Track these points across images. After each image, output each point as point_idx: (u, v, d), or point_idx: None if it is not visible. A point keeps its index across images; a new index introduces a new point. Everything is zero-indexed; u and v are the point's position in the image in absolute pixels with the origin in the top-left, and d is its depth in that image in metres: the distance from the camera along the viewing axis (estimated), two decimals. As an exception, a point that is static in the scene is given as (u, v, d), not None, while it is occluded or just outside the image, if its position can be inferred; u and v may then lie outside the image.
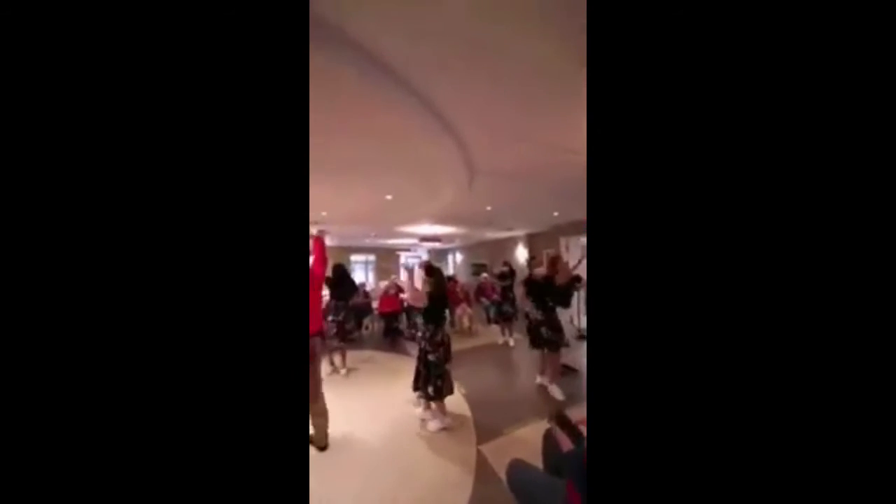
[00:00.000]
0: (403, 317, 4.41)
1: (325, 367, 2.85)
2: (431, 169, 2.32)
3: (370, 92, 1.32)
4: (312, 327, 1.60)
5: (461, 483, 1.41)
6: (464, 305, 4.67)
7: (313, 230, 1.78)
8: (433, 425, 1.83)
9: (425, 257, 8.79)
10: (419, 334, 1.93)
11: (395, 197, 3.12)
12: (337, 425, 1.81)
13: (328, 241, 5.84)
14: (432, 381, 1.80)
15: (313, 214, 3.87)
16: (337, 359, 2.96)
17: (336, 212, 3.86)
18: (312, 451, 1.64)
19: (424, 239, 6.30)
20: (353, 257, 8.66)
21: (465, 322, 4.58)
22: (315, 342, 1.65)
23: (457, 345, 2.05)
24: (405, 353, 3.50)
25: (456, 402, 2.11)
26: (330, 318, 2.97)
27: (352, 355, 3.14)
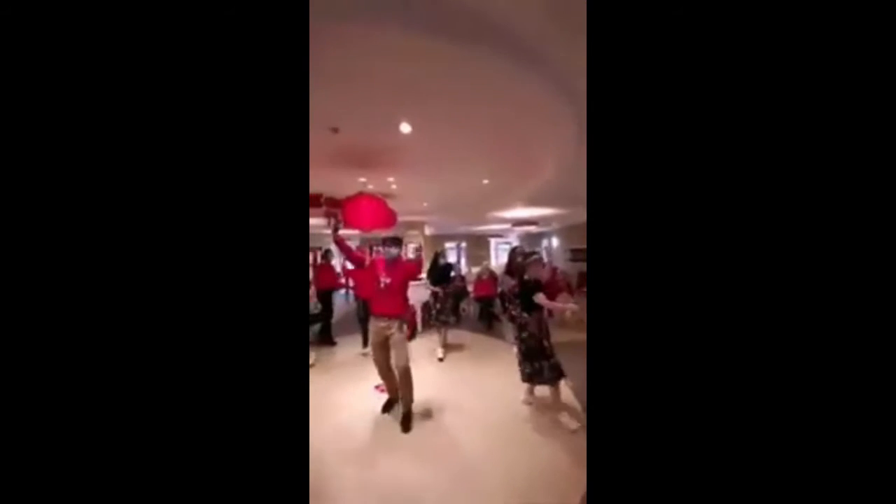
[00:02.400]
0: (498, 302, 4.44)
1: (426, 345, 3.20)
2: (536, 140, 2.14)
3: (476, 63, 1.30)
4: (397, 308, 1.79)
5: (574, 477, 1.33)
6: (564, 295, 4.28)
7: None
8: (570, 424, 1.71)
9: (516, 243, 8.48)
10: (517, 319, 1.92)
11: (491, 180, 3.09)
12: (441, 402, 2.00)
13: (427, 231, 6.27)
14: (529, 365, 1.76)
15: (416, 205, 4.29)
16: (436, 338, 3.25)
17: (435, 201, 4.15)
18: (419, 428, 1.81)
19: (518, 223, 6.06)
20: (447, 245, 9.24)
21: (567, 314, 4.19)
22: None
23: (557, 337, 1.91)
24: (501, 336, 3.53)
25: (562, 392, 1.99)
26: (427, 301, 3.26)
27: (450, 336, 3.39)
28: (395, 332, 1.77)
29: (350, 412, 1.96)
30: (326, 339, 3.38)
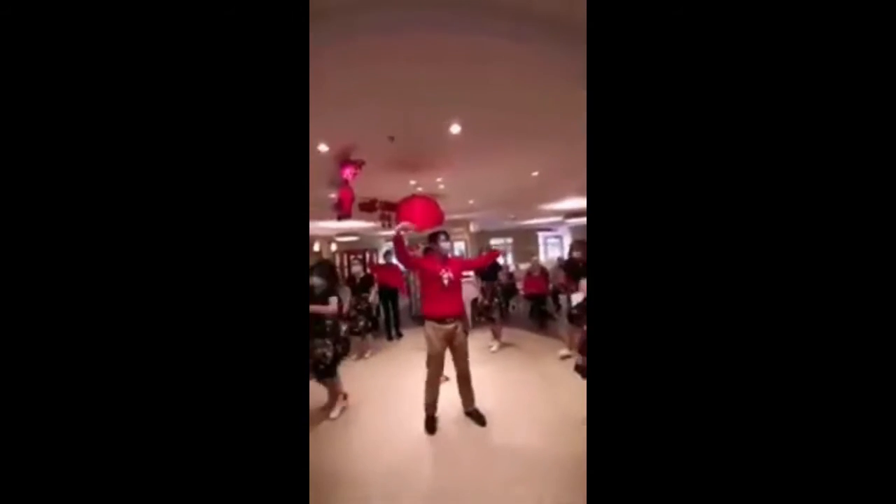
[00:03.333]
0: (550, 299, 4.25)
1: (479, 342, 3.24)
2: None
3: (522, 59, 1.28)
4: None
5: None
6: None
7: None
8: None
9: (568, 237, 7.94)
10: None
11: (541, 172, 2.97)
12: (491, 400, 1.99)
13: (472, 228, 6.27)
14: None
15: (462, 203, 4.35)
16: (487, 335, 3.28)
17: (482, 198, 4.15)
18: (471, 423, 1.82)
19: (570, 215, 5.67)
20: (493, 241, 9.12)
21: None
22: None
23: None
24: (554, 335, 3.37)
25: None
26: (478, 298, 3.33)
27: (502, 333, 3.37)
28: (460, 333, 1.76)
29: (409, 406, 2.03)
30: (391, 333, 3.74)
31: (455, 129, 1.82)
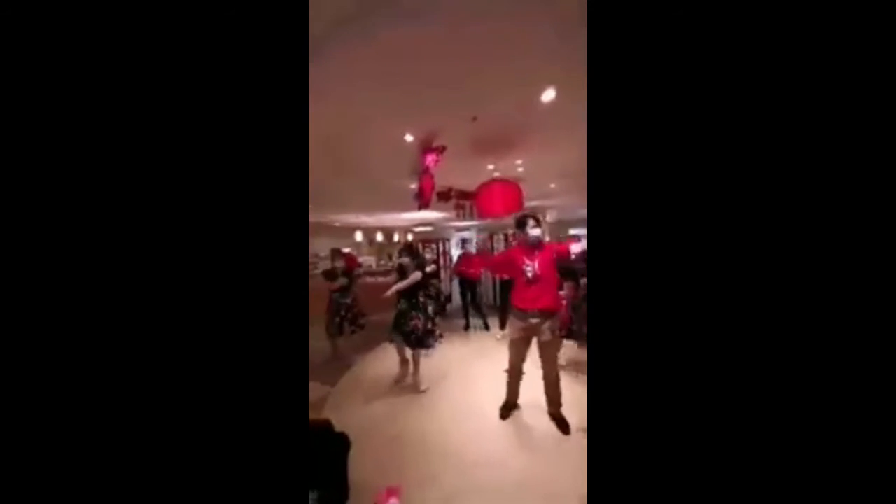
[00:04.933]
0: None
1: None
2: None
3: None
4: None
5: None
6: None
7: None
8: None
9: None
10: None
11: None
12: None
13: (549, 217, 5.79)
14: None
15: (541, 188, 3.97)
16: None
17: (565, 180, 3.69)
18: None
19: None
20: (573, 231, 8.19)
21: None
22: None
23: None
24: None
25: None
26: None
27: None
28: (546, 331, 1.59)
29: (474, 397, 2.02)
30: (468, 322, 3.79)
31: (549, 94, 1.60)
